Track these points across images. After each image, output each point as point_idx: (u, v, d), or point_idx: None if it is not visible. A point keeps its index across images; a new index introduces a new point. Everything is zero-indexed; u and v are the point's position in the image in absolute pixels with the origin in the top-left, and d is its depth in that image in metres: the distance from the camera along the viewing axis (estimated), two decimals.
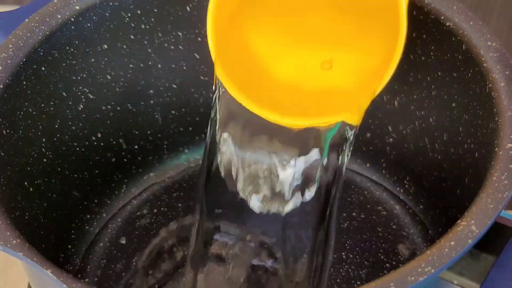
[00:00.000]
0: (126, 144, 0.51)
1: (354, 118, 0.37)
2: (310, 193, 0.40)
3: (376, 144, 0.51)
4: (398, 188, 0.50)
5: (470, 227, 0.32)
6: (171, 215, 0.50)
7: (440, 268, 0.30)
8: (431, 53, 0.43)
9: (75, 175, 0.47)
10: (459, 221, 0.32)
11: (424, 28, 0.43)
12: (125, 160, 0.51)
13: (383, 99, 0.48)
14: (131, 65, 0.48)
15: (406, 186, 0.50)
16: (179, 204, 0.50)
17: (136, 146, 0.51)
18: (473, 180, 0.40)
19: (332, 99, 0.40)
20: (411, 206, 0.49)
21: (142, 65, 0.48)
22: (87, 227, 0.49)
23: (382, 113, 0.49)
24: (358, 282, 0.45)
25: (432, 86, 0.44)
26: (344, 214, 0.49)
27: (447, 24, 0.41)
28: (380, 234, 0.47)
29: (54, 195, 0.45)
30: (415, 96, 0.46)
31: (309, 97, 0.40)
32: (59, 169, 0.46)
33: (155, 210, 0.50)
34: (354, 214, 0.49)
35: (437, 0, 0.42)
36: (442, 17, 0.41)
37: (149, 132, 0.51)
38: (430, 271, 0.30)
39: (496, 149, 0.35)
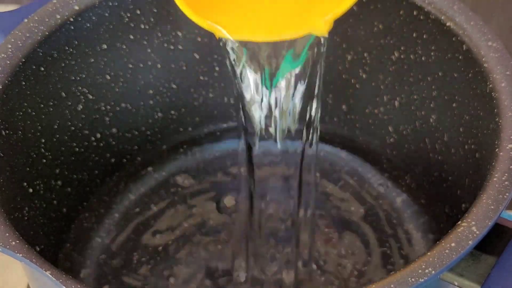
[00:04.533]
0: (126, 145, 0.51)
1: (321, 30, 0.37)
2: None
3: (376, 144, 0.51)
4: (399, 181, 0.50)
5: (471, 228, 0.32)
6: (168, 210, 0.50)
7: (441, 270, 0.30)
8: (432, 53, 0.43)
9: (75, 176, 0.48)
10: (459, 222, 0.32)
11: (425, 28, 0.43)
12: (125, 160, 0.51)
13: (383, 99, 0.48)
14: (130, 65, 0.48)
15: (407, 181, 0.50)
16: (176, 198, 0.50)
17: (135, 147, 0.52)
18: (474, 181, 0.40)
19: (302, 12, 0.39)
20: (412, 200, 0.49)
21: (141, 65, 0.48)
22: (85, 224, 0.49)
23: (383, 113, 0.49)
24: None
25: (433, 87, 0.44)
26: (343, 207, 0.49)
27: (448, 24, 0.41)
28: (380, 228, 0.48)
29: (53, 196, 0.45)
30: (415, 97, 0.46)
31: (279, 14, 0.39)
32: (58, 170, 0.46)
33: (152, 205, 0.50)
34: (352, 208, 0.49)
35: (437, 0, 0.42)
36: (442, 17, 0.41)
37: (148, 132, 0.52)
38: (430, 272, 0.30)
39: (497, 149, 0.35)
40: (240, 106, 0.40)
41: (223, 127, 0.54)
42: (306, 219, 0.48)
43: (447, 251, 0.31)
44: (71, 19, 0.43)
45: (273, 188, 0.49)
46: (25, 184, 0.42)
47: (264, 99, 0.40)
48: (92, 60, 0.46)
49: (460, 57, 0.41)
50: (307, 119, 0.41)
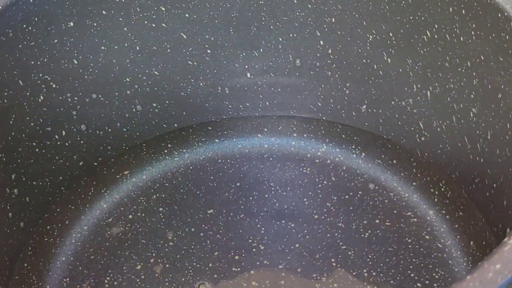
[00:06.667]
0: (97, 144, 0.49)
1: None
2: None
3: (404, 144, 0.50)
4: (432, 190, 0.48)
5: None
6: (150, 222, 0.47)
7: None
8: (472, 33, 0.41)
9: (34, 183, 0.46)
10: (506, 239, 0.30)
11: (463, 2, 0.40)
12: (95, 163, 0.50)
13: (413, 88, 0.46)
14: (102, 47, 0.46)
15: (442, 189, 0.47)
16: (160, 209, 0.48)
17: (109, 147, 0.50)
18: None
19: None
20: (448, 212, 0.47)
21: (116, 47, 0.47)
22: (46, 239, 0.46)
23: (412, 106, 0.47)
24: None
25: (474, 73, 0.42)
26: (364, 221, 0.46)
27: None
28: (409, 246, 0.45)
29: (9, 207, 0.43)
30: (452, 86, 0.44)
31: None
32: (14, 175, 0.44)
33: (130, 216, 0.47)
34: (377, 221, 0.46)
35: None
36: None
37: (125, 129, 0.50)
38: None
39: None
40: None
41: (215, 123, 0.52)
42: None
43: (490, 274, 0.29)
44: None
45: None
46: None
47: None
48: (56, 40, 0.44)
49: (507, 37, 0.38)
50: None
